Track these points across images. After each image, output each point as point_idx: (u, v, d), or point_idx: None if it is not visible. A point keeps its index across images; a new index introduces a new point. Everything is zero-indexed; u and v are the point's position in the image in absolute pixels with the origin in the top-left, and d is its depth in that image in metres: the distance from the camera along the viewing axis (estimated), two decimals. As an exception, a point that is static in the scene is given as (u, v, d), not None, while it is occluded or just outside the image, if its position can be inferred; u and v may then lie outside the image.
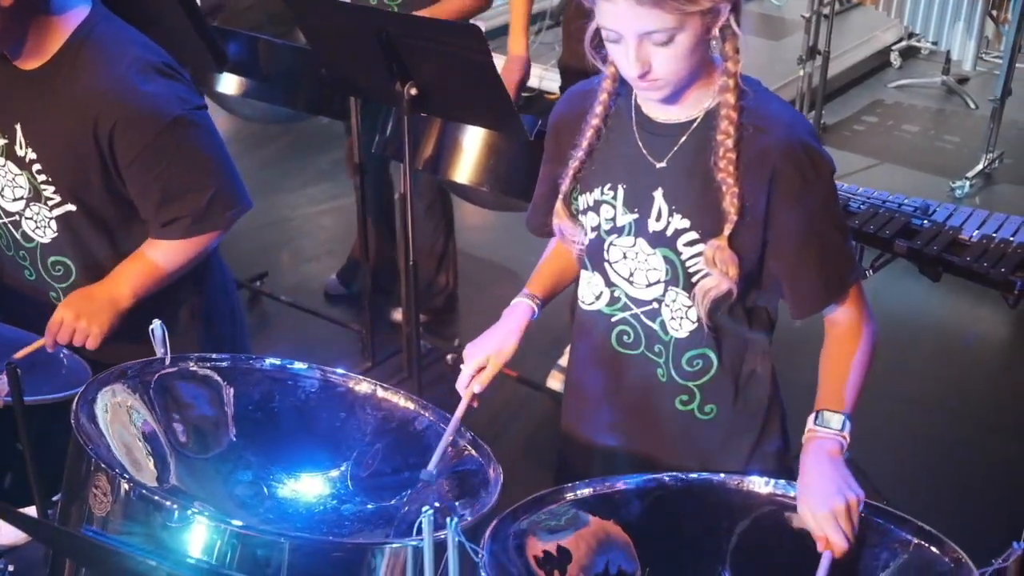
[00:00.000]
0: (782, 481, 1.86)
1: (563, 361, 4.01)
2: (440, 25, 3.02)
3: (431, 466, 1.92)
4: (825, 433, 1.84)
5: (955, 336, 4.37)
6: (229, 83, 3.71)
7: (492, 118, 3.01)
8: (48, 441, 2.09)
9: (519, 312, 2.06)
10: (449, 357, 3.91)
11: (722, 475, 1.87)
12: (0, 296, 2.49)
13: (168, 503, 1.66)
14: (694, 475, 1.87)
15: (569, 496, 1.82)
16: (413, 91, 2.93)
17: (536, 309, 2.07)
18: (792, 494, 1.84)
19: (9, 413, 2.07)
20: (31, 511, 2.25)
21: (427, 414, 2.11)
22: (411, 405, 2.12)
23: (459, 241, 4.28)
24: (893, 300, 4.34)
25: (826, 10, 5.57)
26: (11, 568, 2.79)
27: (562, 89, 3.83)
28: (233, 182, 2.31)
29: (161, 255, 2.29)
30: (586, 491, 1.83)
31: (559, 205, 1.96)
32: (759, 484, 1.86)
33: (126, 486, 1.68)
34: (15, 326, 2.41)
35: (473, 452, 2.01)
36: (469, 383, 2.00)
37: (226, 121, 5.54)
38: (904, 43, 6.95)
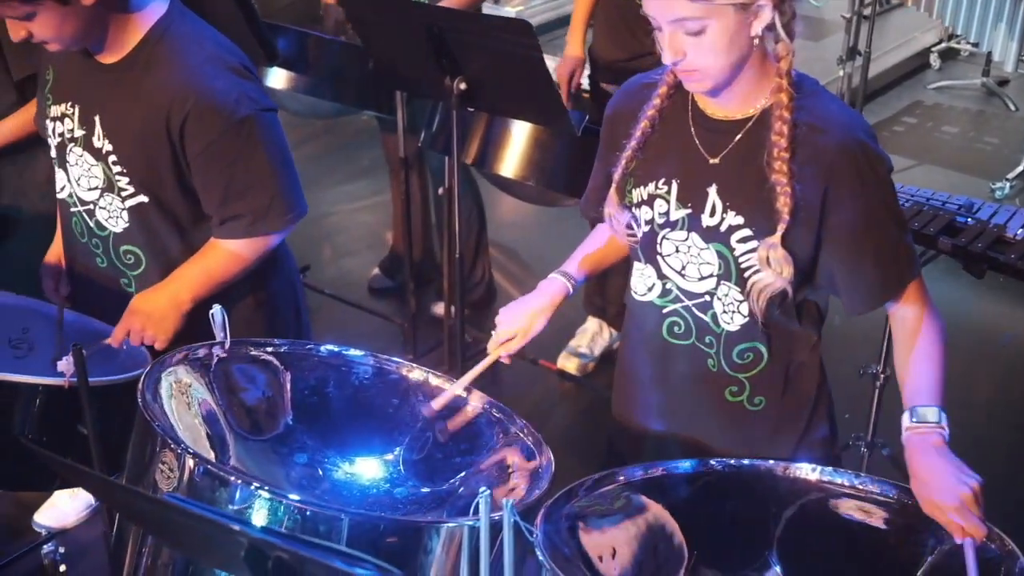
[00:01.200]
0: (829, 468, 1.90)
1: (574, 343, 4.07)
2: (490, 20, 3.05)
3: (434, 404, 2.08)
4: (925, 428, 1.83)
5: (994, 334, 4.37)
6: (278, 78, 3.77)
7: (541, 113, 3.04)
8: (108, 422, 2.15)
9: (553, 290, 2.12)
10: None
11: (771, 462, 1.90)
12: (72, 284, 2.56)
13: (233, 479, 1.71)
14: (744, 461, 1.91)
15: (621, 479, 1.86)
16: (462, 86, 2.97)
17: (571, 288, 2.13)
18: (839, 480, 1.87)
19: (70, 394, 2.14)
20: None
21: (479, 401, 2.15)
22: (463, 393, 2.16)
23: (496, 237, 4.31)
24: (933, 298, 4.33)
25: (866, 11, 5.57)
26: (62, 550, 2.86)
27: (591, 78, 3.88)
28: (293, 187, 2.36)
29: (221, 259, 2.35)
30: (637, 475, 1.87)
31: (612, 193, 2.00)
32: (807, 471, 1.89)
33: (191, 462, 1.73)
34: (84, 312, 2.48)
35: (525, 438, 2.05)
36: (497, 348, 2.09)
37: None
38: (944, 44, 6.93)
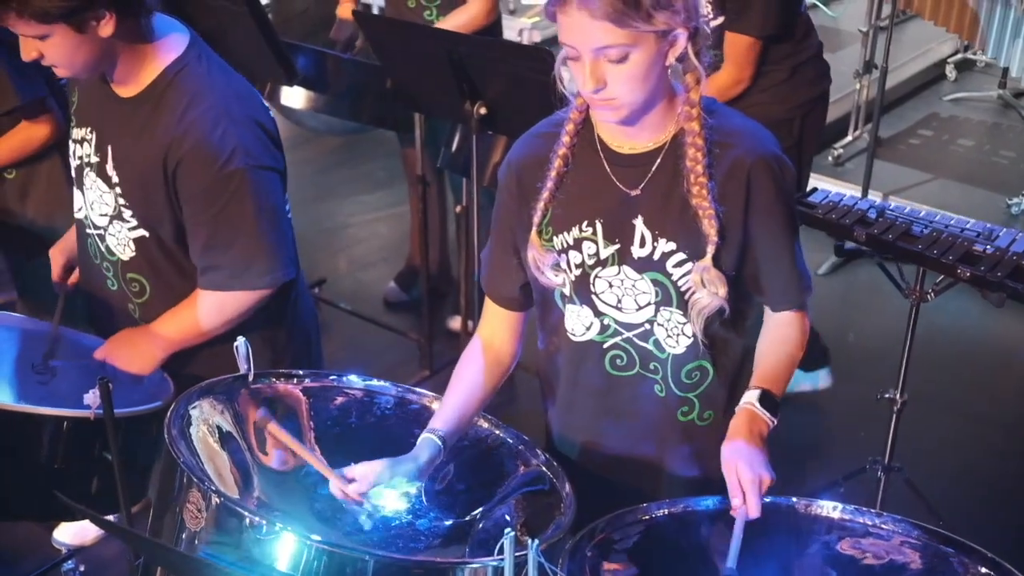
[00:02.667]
0: (851, 507, 1.90)
1: None
2: (510, 47, 3.08)
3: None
4: (766, 416, 1.91)
5: (1012, 356, 4.36)
6: (297, 96, 3.79)
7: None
8: (133, 450, 2.17)
9: (421, 450, 1.99)
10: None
11: (793, 499, 1.91)
12: (87, 305, 2.59)
13: (257, 519, 1.72)
14: (766, 499, 1.91)
15: (644, 516, 1.87)
16: (482, 111, 2.98)
17: (441, 444, 1.99)
18: (861, 520, 1.88)
19: (91, 425, 2.16)
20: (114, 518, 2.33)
21: (500, 432, 2.16)
22: (485, 424, 2.18)
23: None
24: (951, 320, 4.34)
25: (884, 23, 5.54)
26: (82, 568, 2.87)
27: None
28: (279, 249, 2.33)
29: (202, 309, 2.35)
30: (661, 512, 1.88)
31: (533, 236, 1.98)
32: (828, 508, 1.90)
33: (216, 500, 1.75)
34: (99, 334, 2.50)
35: (547, 472, 2.06)
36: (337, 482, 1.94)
37: (286, 130, 5.60)
38: (960, 55, 6.91)
